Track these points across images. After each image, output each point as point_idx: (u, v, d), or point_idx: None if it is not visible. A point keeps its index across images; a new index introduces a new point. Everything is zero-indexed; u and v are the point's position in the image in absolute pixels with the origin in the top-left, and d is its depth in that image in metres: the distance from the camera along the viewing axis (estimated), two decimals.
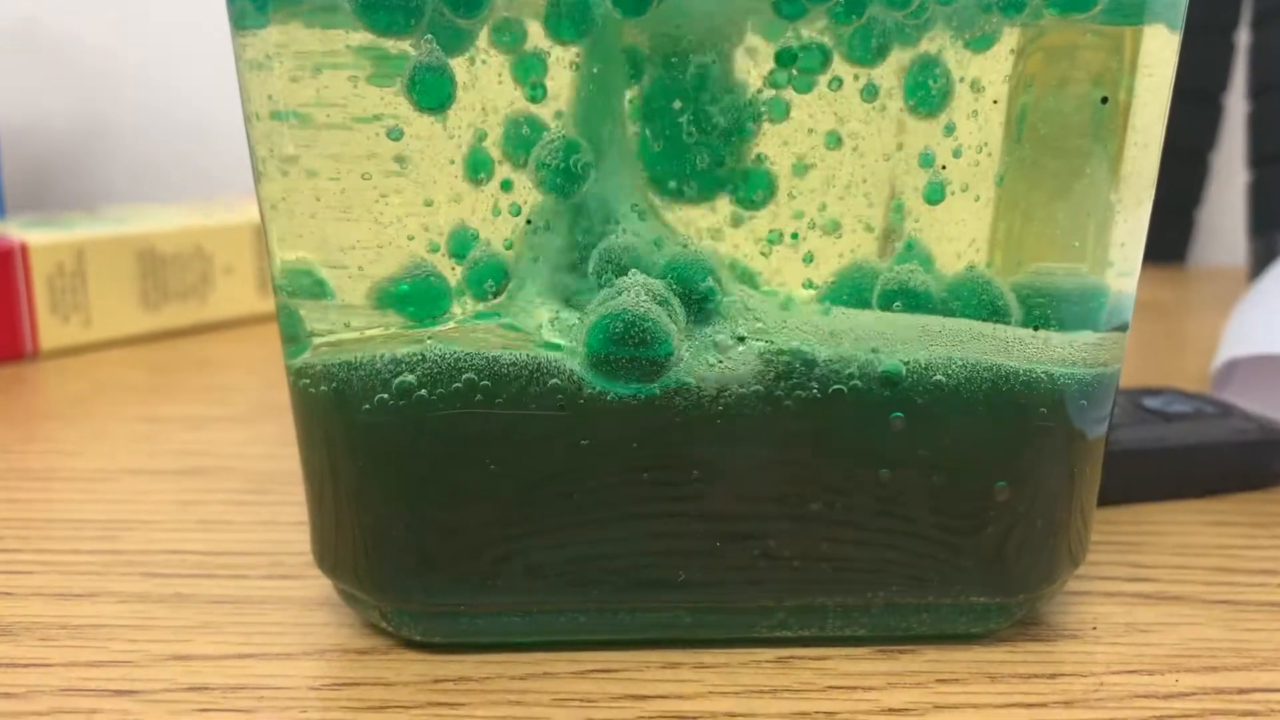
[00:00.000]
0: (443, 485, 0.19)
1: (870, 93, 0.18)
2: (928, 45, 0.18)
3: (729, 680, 0.19)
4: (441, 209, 0.18)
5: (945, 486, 0.19)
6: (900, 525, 0.20)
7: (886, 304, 0.19)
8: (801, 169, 0.18)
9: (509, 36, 0.18)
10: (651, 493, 0.19)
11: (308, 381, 0.20)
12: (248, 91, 0.19)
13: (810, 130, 0.18)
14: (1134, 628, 0.21)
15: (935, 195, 0.18)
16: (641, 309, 0.18)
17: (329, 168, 0.18)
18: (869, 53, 0.18)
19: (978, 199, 0.18)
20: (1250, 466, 0.29)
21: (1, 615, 0.22)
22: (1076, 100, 0.18)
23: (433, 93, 0.18)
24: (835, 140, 0.18)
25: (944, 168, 0.18)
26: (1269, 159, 0.61)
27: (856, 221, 0.19)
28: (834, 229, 0.19)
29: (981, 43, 0.18)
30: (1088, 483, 0.21)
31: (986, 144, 0.18)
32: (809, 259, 0.19)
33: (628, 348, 0.18)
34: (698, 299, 0.19)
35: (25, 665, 0.20)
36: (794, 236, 0.19)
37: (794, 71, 0.18)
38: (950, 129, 0.18)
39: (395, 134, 0.18)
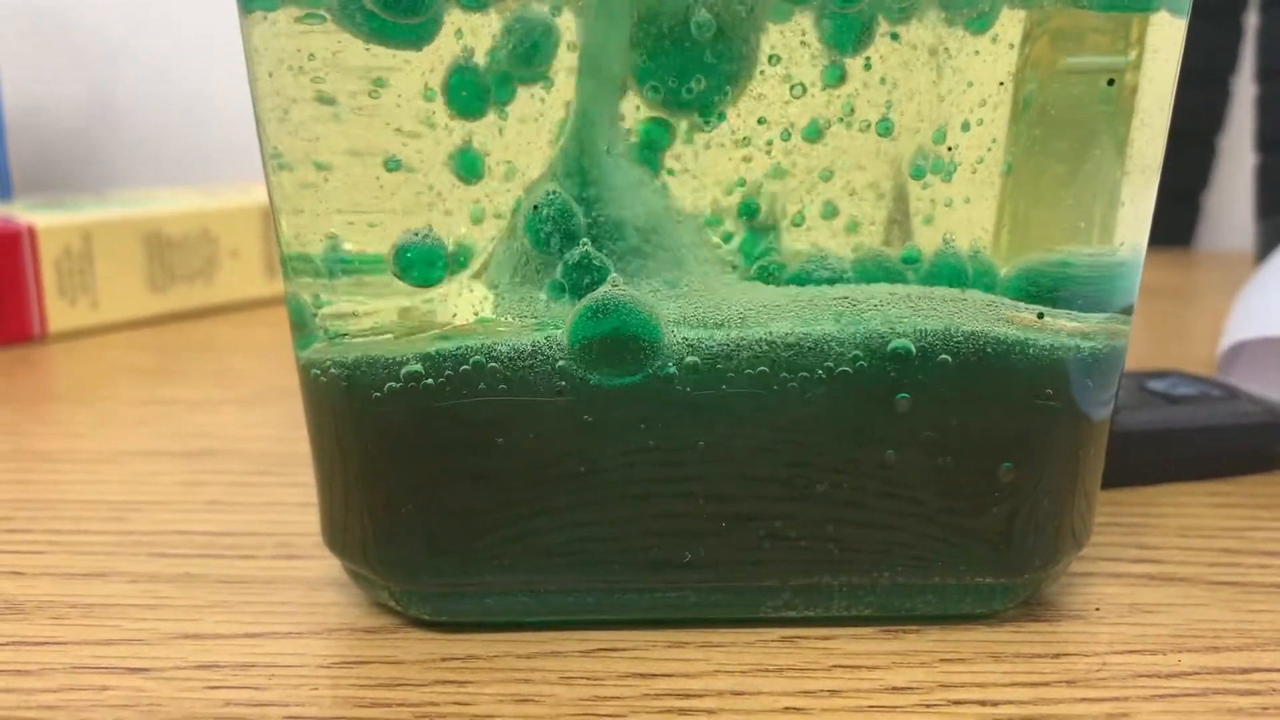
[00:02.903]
0: (450, 467, 0.19)
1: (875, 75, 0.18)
2: (924, 24, 0.18)
3: (734, 659, 0.20)
4: (452, 193, 0.18)
5: (950, 467, 0.19)
6: (905, 506, 0.20)
7: (890, 282, 0.19)
8: (809, 136, 0.18)
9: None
10: (657, 473, 0.19)
11: (317, 369, 0.20)
12: (256, 76, 0.19)
13: (819, 110, 0.18)
14: (1137, 608, 0.21)
15: (941, 173, 0.18)
16: (624, 297, 0.18)
17: (339, 154, 0.18)
18: (855, 40, 0.18)
19: (983, 180, 0.18)
20: (1255, 449, 0.29)
21: (13, 594, 0.22)
22: (1083, 82, 0.18)
23: (422, 274, 0.18)
24: (841, 120, 0.18)
25: (951, 149, 0.18)
26: (1276, 143, 0.60)
27: (862, 201, 0.19)
28: (839, 209, 0.19)
29: (982, 23, 0.18)
30: (1092, 464, 0.21)
31: (993, 125, 0.18)
32: (812, 233, 0.19)
33: (612, 337, 0.18)
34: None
35: (37, 643, 0.20)
36: (798, 219, 0.19)
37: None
38: (955, 110, 0.18)
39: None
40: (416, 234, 0.18)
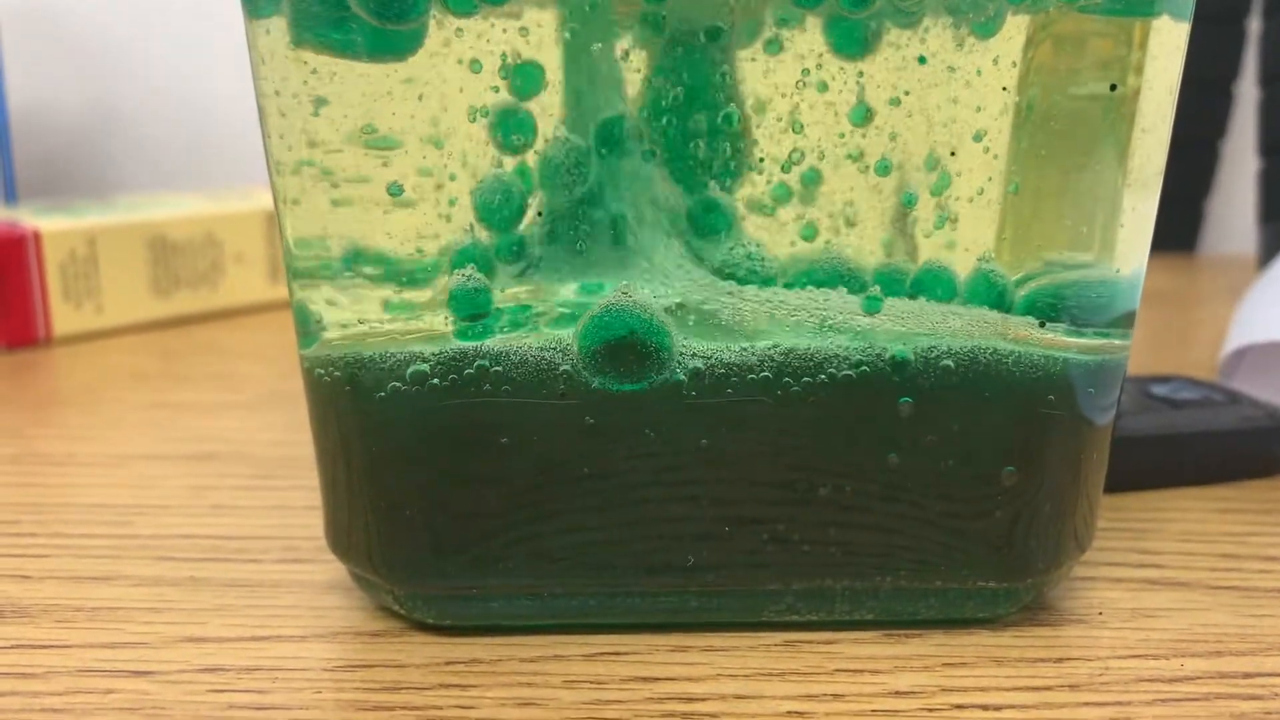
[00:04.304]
0: (455, 470, 0.19)
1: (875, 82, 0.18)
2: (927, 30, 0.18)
3: (737, 663, 0.20)
4: (460, 198, 0.18)
5: (953, 471, 0.20)
6: (908, 510, 0.20)
7: (895, 293, 0.19)
8: (808, 156, 0.18)
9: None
10: (660, 477, 0.19)
11: (322, 370, 0.20)
12: (261, 80, 0.19)
13: (825, 116, 0.18)
14: (1140, 613, 0.21)
15: (943, 183, 0.18)
16: (634, 307, 0.18)
17: (344, 158, 0.18)
18: (863, 43, 0.18)
19: (984, 188, 0.19)
20: (1258, 454, 0.29)
21: (19, 598, 0.22)
22: (1085, 88, 0.18)
23: (468, 309, 0.19)
24: (848, 127, 0.18)
25: (953, 154, 0.18)
26: (1279, 147, 0.60)
27: (865, 207, 0.19)
28: (842, 215, 0.19)
29: (987, 28, 0.18)
30: (1094, 468, 0.21)
31: (997, 134, 0.18)
32: (810, 237, 0.19)
33: (623, 346, 0.18)
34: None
35: (43, 646, 0.20)
36: (808, 230, 0.19)
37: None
38: (957, 117, 0.18)
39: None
40: (465, 276, 0.19)
